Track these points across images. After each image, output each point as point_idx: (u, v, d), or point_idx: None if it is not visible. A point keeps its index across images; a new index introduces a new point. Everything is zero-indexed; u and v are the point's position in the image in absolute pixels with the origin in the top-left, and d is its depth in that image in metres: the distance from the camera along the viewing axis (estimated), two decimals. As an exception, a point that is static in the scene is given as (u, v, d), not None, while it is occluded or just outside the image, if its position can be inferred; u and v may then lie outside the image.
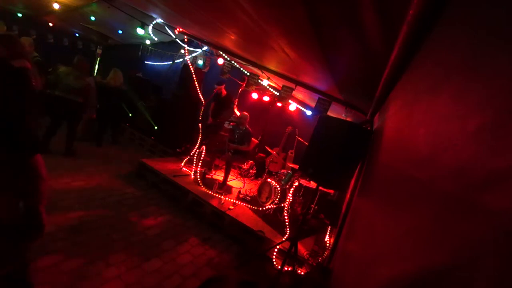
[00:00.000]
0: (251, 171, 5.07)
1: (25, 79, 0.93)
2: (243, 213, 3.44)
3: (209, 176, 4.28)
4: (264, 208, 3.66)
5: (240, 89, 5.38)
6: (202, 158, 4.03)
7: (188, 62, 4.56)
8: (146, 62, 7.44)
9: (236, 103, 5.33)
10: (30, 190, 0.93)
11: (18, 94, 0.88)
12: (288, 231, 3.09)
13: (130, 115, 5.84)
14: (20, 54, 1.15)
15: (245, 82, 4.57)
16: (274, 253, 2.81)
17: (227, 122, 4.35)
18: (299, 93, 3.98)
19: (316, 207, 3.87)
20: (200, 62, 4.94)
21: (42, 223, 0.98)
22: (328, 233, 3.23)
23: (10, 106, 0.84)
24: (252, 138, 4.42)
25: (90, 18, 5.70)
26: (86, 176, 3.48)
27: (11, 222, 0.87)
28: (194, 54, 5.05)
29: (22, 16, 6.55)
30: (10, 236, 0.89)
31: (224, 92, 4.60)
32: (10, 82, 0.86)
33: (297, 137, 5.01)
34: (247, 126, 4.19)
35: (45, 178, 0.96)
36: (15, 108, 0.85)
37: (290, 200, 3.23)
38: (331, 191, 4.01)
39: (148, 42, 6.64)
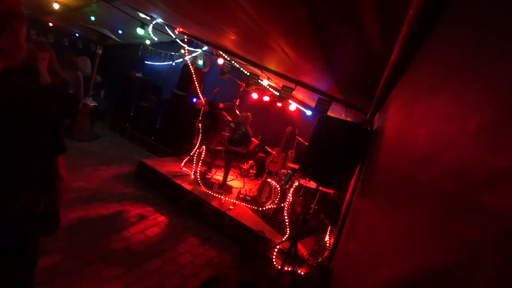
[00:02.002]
0: (251, 171, 5.07)
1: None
2: (243, 213, 3.44)
3: (209, 176, 4.28)
4: (264, 208, 3.66)
5: (241, 89, 5.37)
6: (202, 158, 4.03)
7: (188, 62, 4.56)
8: (146, 62, 7.44)
9: (237, 104, 5.33)
10: (51, 188, 1.05)
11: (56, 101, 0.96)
12: (288, 231, 3.09)
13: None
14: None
15: (243, 82, 4.57)
16: (274, 253, 2.81)
17: (228, 121, 4.34)
18: (299, 93, 3.98)
19: (316, 207, 3.87)
20: (200, 62, 4.94)
21: (58, 218, 1.11)
22: (328, 233, 3.23)
23: (48, 112, 0.92)
24: (252, 138, 4.42)
25: (90, 18, 5.70)
26: (86, 176, 3.48)
27: (32, 216, 0.96)
28: (194, 54, 5.05)
29: (22, 16, 6.54)
30: (30, 228, 0.98)
31: (207, 108, 4.54)
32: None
33: (297, 137, 5.00)
34: (248, 127, 4.19)
35: (64, 177, 1.07)
36: (52, 113, 0.94)
37: (290, 200, 3.23)
38: (331, 191, 4.01)
39: (148, 42, 6.63)
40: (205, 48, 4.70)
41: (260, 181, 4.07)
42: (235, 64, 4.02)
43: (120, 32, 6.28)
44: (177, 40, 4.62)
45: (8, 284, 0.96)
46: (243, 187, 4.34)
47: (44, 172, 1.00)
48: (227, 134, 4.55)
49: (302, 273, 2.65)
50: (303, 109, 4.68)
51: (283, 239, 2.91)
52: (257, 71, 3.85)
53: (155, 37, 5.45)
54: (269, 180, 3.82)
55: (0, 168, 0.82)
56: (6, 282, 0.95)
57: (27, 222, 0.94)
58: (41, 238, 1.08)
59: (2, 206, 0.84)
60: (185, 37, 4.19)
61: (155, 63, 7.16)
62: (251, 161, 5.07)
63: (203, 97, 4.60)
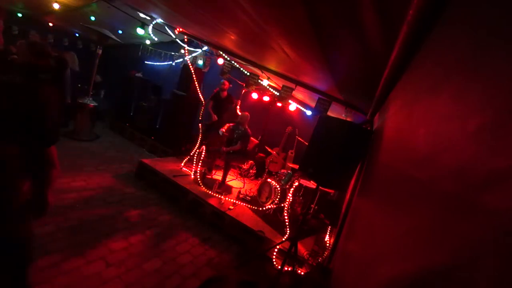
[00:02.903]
0: (251, 171, 5.07)
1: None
2: (243, 213, 3.44)
3: (209, 176, 4.28)
4: (264, 208, 3.66)
5: (244, 91, 5.37)
6: (202, 158, 4.03)
7: (188, 62, 4.56)
8: (146, 62, 7.44)
9: (239, 104, 5.32)
10: (42, 177, 1.07)
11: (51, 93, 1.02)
12: (288, 231, 3.09)
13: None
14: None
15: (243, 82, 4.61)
16: (274, 253, 2.81)
17: (221, 132, 4.32)
18: (299, 93, 3.98)
19: (316, 207, 3.87)
20: (200, 62, 4.94)
21: (48, 203, 1.13)
22: (328, 233, 3.23)
23: (42, 104, 0.96)
24: (252, 138, 4.42)
25: (90, 18, 5.70)
26: (86, 176, 3.48)
27: (24, 200, 0.99)
28: (194, 54, 5.05)
29: (22, 16, 6.54)
30: (21, 212, 1.00)
31: (225, 93, 4.61)
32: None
33: (297, 137, 5.00)
34: (247, 127, 4.19)
35: (56, 166, 1.09)
36: (47, 105, 0.98)
37: (290, 200, 3.23)
38: (331, 191, 4.01)
39: (148, 42, 6.63)
40: (205, 48, 4.70)
41: (260, 181, 4.07)
42: (235, 64, 4.02)
43: (120, 32, 6.27)
44: (177, 40, 4.62)
45: (7, 284, 0.96)
46: (243, 187, 4.34)
47: (36, 163, 1.02)
48: (226, 134, 4.55)
49: (302, 273, 2.65)
50: (303, 109, 4.68)
51: (283, 239, 2.91)
52: (257, 71, 3.85)
53: (155, 37, 5.45)
54: (269, 180, 3.82)
55: None
56: (5, 281, 0.95)
57: (20, 218, 0.95)
58: (39, 239, 1.10)
59: None
60: (185, 37, 4.19)
61: (155, 63, 7.16)
62: (251, 161, 5.07)
63: (202, 97, 4.61)
